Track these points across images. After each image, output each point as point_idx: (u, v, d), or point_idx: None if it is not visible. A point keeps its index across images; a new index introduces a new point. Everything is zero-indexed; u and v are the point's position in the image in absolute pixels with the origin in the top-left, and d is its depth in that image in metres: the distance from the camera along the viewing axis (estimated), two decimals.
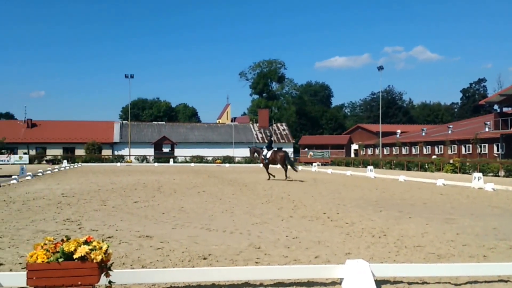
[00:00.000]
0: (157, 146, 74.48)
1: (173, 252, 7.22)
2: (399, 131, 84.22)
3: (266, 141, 28.22)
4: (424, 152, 67.37)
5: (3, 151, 66.97)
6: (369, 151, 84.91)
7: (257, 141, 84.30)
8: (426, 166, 45.62)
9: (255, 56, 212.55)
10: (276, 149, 28.27)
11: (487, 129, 57.01)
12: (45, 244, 4.30)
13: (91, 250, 4.21)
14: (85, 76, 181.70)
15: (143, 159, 69.29)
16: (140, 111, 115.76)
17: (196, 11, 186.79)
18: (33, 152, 73.08)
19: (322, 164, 63.65)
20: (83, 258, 4.17)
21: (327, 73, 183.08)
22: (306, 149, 79.52)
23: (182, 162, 69.53)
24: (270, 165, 27.93)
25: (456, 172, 39.41)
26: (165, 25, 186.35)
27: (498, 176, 34.06)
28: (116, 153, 75.03)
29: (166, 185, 21.58)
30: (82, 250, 4.17)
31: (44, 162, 66.48)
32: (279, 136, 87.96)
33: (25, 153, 69.58)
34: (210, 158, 71.31)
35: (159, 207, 13.04)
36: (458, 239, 8.48)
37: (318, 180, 27.14)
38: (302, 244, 7.94)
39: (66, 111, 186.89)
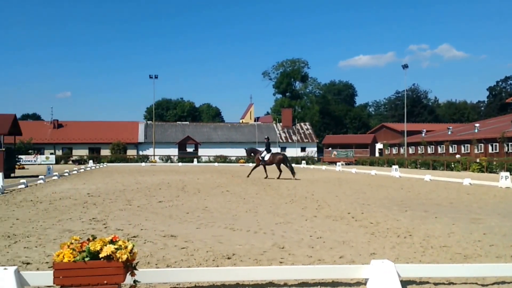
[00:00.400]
0: (181, 146, 74.93)
1: (197, 252, 7.25)
2: (424, 130, 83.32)
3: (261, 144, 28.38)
4: (450, 151, 66.55)
5: (30, 151, 68.08)
6: (394, 151, 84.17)
7: (281, 141, 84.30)
8: (452, 166, 45.05)
9: (279, 56, 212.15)
10: (274, 152, 28.65)
11: None
12: (72, 243, 4.35)
13: (117, 249, 4.24)
14: (110, 77, 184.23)
15: (167, 159, 69.77)
16: (164, 111, 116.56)
17: (220, 11, 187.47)
18: (59, 152, 74.19)
19: (346, 164, 63.29)
20: (108, 257, 4.21)
21: (351, 72, 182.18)
22: (330, 149, 79.12)
23: (205, 162, 69.81)
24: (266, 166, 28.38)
25: (483, 171, 38.83)
26: (188, 25, 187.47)
27: None
28: (140, 153, 75.74)
29: (190, 185, 21.68)
30: (108, 250, 4.20)
31: (70, 162, 67.38)
32: (302, 135, 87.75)
33: (51, 154, 70.65)
34: (234, 158, 71.47)
35: (183, 207, 13.11)
36: (485, 239, 8.35)
37: (342, 179, 26.98)
38: (326, 244, 7.90)
39: (92, 112, 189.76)
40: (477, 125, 70.48)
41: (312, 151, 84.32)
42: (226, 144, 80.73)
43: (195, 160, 67.64)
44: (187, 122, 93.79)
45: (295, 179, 26.25)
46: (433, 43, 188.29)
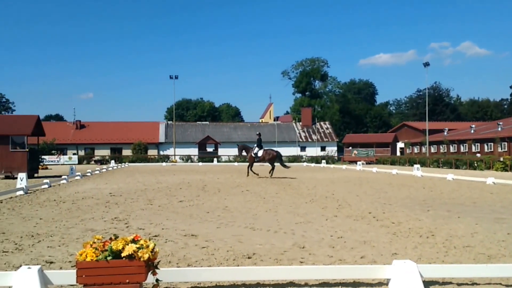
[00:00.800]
0: (201, 145, 75.22)
1: (218, 251, 7.27)
2: (446, 128, 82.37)
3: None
4: (473, 149, 65.72)
5: (53, 152, 68.94)
6: (416, 149, 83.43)
7: (300, 140, 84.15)
8: (475, 164, 44.50)
9: (298, 54, 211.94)
10: (267, 148, 28.56)
11: None
12: (94, 242, 4.39)
13: (139, 248, 4.28)
14: (131, 78, 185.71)
15: (187, 158, 70.07)
16: (184, 112, 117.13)
17: (239, 10, 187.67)
18: (82, 152, 75.05)
19: (366, 163, 62.91)
20: (130, 257, 4.24)
21: (371, 71, 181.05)
22: (350, 148, 78.69)
23: (225, 161, 69.97)
24: (255, 163, 28.53)
25: (506, 170, 38.29)
26: (207, 27, 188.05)
27: None
28: (161, 153, 76.25)
29: (210, 184, 21.75)
30: (130, 249, 4.23)
31: (93, 162, 68.10)
32: (322, 135, 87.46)
33: (74, 154, 71.51)
34: None
35: (204, 206, 13.16)
36: (509, 239, 8.23)
37: (363, 179, 26.83)
38: (347, 244, 7.86)
39: (114, 113, 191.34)
40: (500, 123, 69.42)
41: (332, 150, 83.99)
42: (246, 144, 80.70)
43: (215, 159, 67.82)
44: (207, 122, 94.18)
45: (292, 178, 26.39)
46: (455, 40, 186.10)
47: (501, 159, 41.98)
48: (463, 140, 70.06)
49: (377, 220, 10.46)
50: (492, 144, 63.00)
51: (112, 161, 61.21)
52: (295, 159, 72.75)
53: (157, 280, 4.60)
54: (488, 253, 7.19)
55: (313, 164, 58.26)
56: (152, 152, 75.23)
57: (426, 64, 67.48)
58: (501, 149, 60.20)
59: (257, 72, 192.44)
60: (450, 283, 5.60)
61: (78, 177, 27.61)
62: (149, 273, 4.44)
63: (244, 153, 28.52)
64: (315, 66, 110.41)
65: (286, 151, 78.38)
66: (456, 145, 71.58)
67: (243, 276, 5.33)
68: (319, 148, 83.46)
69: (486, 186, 20.70)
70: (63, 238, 8.35)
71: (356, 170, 40.18)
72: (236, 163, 61.64)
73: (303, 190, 18.77)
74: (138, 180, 25.54)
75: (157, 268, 4.53)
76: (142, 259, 4.25)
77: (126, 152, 74.38)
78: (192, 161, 68.82)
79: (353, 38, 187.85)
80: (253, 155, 27.64)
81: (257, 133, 29.91)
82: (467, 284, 5.60)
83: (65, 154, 71.41)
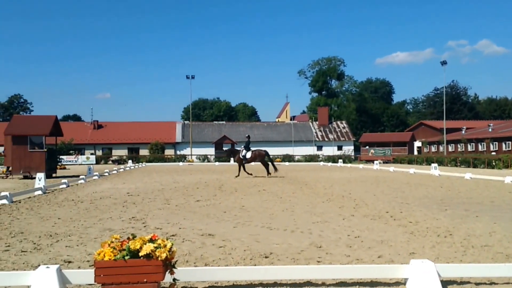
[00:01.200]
0: (218, 145, 75.40)
1: (235, 251, 7.29)
2: (464, 127, 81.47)
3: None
4: (491, 148, 64.98)
5: (71, 152, 69.63)
6: (433, 148, 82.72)
7: (317, 139, 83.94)
8: (494, 163, 43.99)
9: (314, 53, 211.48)
10: (254, 149, 28.71)
11: None
12: (112, 242, 4.42)
13: (156, 248, 4.30)
14: (148, 78, 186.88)
15: (204, 158, 70.25)
16: (201, 111, 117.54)
17: (254, 8, 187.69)
18: (99, 152, 75.66)
19: (383, 162, 62.54)
20: (148, 256, 4.27)
21: (388, 69, 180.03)
22: (367, 147, 78.36)
23: None
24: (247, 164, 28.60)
25: None
26: (224, 27, 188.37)
27: None
28: (178, 152, 76.55)
29: (227, 184, 21.79)
30: (148, 248, 4.26)
31: (110, 162, 68.59)
32: (339, 134, 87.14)
33: (92, 154, 72.08)
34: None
35: (221, 206, 13.19)
36: None
37: (380, 178, 26.68)
38: (364, 243, 7.83)
39: (131, 113, 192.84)
40: None
41: (349, 149, 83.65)
42: (262, 143, 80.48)
43: (232, 159, 67.86)
44: (224, 122, 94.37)
45: (280, 176, 26.73)
46: (473, 38, 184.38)
47: None
48: (481, 139, 69.31)
49: (394, 220, 10.40)
50: (510, 142, 62.19)
51: (130, 161, 61.65)
52: (312, 158, 72.59)
53: (174, 279, 4.62)
54: (507, 252, 7.11)
55: (329, 164, 58.04)
56: (169, 152, 75.58)
57: (444, 63, 67.00)
58: None
59: (273, 71, 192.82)
60: (468, 282, 5.55)
61: (96, 177, 27.83)
62: (167, 272, 4.46)
63: (232, 156, 28.52)
64: (331, 65, 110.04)
65: (302, 151, 78.44)
66: (474, 144, 70.84)
67: (260, 276, 5.34)
68: (335, 148, 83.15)
69: (504, 185, 20.45)
70: (81, 238, 8.42)
71: (373, 170, 39.96)
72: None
73: (320, 189, 18.72)
74: (155, 180, 25.68)
75: (175, 268, 4.55)
76: (159, 259, 4.27)
77: (143, 152, 74.85)
78: (208, 161, 69.01)
79: (369, 37, 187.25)
80: (241, 157, 27.62)
81: (246, 135, 30.10)
82: (485, 283, 5.55)
83: (83, 154, 72.06)
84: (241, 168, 28.11)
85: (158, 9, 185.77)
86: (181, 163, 60.42)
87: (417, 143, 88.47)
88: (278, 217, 10.88)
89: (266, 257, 6.81)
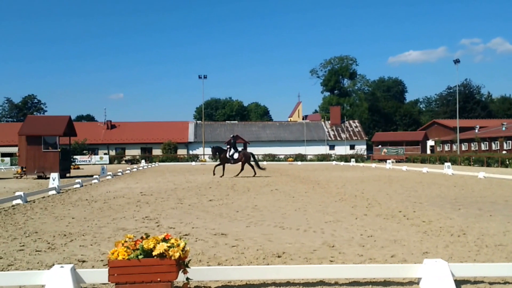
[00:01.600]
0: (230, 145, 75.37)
1: (247, 250, 7.30)
2: (477, 126, 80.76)
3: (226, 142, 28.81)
4: (505, 147, 64.42)
5: (84, 152, 70.09)
6: (446, 147, 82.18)
7: (329, 139, 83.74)
8: (507, 162, 43.60)
9: (327, 52, 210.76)
10: (240, 149, 28.75)
11: None
12: (126, 241, 4.46)
13: (169, 247, 4.33)
14: (161, 78, 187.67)
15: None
16: (213, 111, 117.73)
17: (265, 7, 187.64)
18: (112, 152, 76.10)
19: (396, 161, 62.24)
20: (161, 255, 4.29)
21: (401, 68, 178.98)
22: (380, 146, 78.01)
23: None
24: (227, 164, 28.45)
25: None
26: (236, 26, 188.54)
27: None
28: (190, 152, 76.79)
29: (240, 184, 21.81)
30: (161, 247, 4.29)
31: (123, 162, 68.97)
32: (351, 133, 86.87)
33: (105, 154, 72.53)
34: (282, 156, 71.53)
35: (233, 205, 13.21)
36: None
37: (393, 177, 26.56)
38: (377, 242, 7.80)
39: (144, 113, 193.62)
40: None
41: (361, 148, 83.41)
42: (275, 143, 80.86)
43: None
44: (236, 121, 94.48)
45: (267, 176, 27.00)
46: (486, 37, 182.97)
47: None
48: (494, 137, 68.74)
49: (407, 219, 10.35)
50: None
51: (143, 161, 61.94)
52: (324, 157, 72.45)
53: (187, 278, 4.64)
54: None
55: (342, 163, 57.90)
56: (181, 152, 75.87)
57: (457, 61, 66.54)
58: None
59: (285, 71, 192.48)
60: (482, 282, 5.52)
61: (109, 177, 27.99)
62: (180, 271, 4.48)
63: (217, 155, 28.26)
64: (343, 64, 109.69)
65: (315, 150, 78.32)
66: (487, 142, 70.27)
67: (273, 275, 5.34)
68: (348, 147, 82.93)
69: None
70: (95, 237, 8.47)
71: (385, 169, 39.80)
72: (265, 162, 61.67)
73: (332, 189, 18.68)
74: (168, 180, 25.78)
75: (188, 267, 4.57)
76: (173, 258, 4.30)
77: (156, 151, 75.20)
78: None
79: (382, 35, 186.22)
80: (228, 156, 27.47)
81: (232, 135, 30.11)
82: (499, 283, 5.51)
83: (96, 154, 72.53)
84: (221, 166, 28.13)
85: (171, 8, 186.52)
86: (193, 163, 60.60)
87: (430, 142, 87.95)
88: (291, 217, 10.88)
89: (278, 257, 6.82)
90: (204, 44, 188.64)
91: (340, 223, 9.89)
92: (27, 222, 10.37)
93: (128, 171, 36.36)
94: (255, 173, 27.88)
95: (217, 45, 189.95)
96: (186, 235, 8.55)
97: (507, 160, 44.12)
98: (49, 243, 7.98)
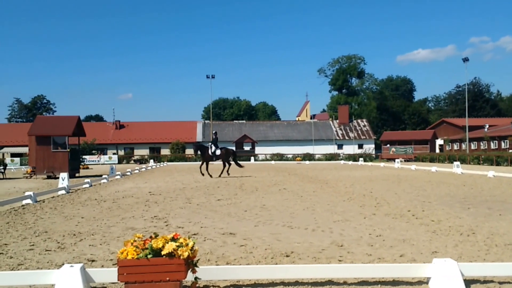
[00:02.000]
0: (238, 144, 75.56)
1: (256, 249, 7.30)
2: (487, 124, 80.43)
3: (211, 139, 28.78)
4: None
5: (93, 152, 70.38)
6: (455, 146, 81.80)
7: (337, 138, 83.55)
8: None
9: (335, 51, 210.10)
10: (222, 147, 28.42)
11: None
12: (135, 241, 4.48)
13: (178, 246, 4.34)
14: (169, 78, 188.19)
15: None
16: (221, 111, 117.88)
17: (274, 6, 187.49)
18: (121, 152, 76.34)
19: (405, 160, 62.01)
20: (170, 255, 4.31)
21: (409, 67, 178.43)
22: (388, 145, 77.73)
23: (262, 160, 70.15)
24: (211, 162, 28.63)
25: None
26: (244, 25, 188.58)
27: None
28: (199, 152, 76.70)
29: (248, 183, 21.82)
30: (170, 247, 4.30)
31: (132, 161, 69.19)
32: (359, 132, 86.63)
33: (114, 154, 72.84)
34: (290, 156, 71.48)
35: (242, 205, 13.21)
36: None
37: (402, 176, 26.47)
38: (386, 242, 7.78)
39: (152, 112, 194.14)
40: None
41: (369, 148, 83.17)
42: (283, 142, 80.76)
43: (252, 158, 67.98)
44: (244, 121, 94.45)
45: (248, 176, 27.11)
46: (495, 35, 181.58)
47: None
48: (504, 136, 68.32)
49: (416, 218, 10.31)
50: None
51: (151, 160, 62.17)
52: (332, 157, 72.33)
53: (196, 278, 4.66)
54: None
55: (350, 162, 57.78)
56: (190, 151, 75.90)
57: (466, 60, 66.17)
58: None
59: (293, 70, 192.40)
60: (492, 281, 5.49)
61: (118, 177, 28.10)
62: (189, 271, 4.50)
63: (199, 153, 28.10)
64: (351, 63, 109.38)
65: (323, 149, 78.19)
66: (497, 141, 69.86)
67: (282, 274, 5.34)
68: (356, 146, 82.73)
69: None
70: (104, 237, 8.51)
71: (394, 168, 39.67)
72: (273, 162, 61.65)
73: (341, 188, 18.64)
74: (177, 179, 25.83)
75: (196, 266, 4.59)
76: (181, 257, 4.31)
77: (165, 151, 75.38)
78: None
79: (390, 34, 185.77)
80: (210, 154, 27.37)
81: (214, 132, 30.00)
82: (509, 282, 5.48)
83: (105, 154, 72.79)
84: (207, 165, 28.14)
85: (179, 8, 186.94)
86: None
87: (439, 141, 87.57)
88: (299, 216, 10.87)
89: (287, 256, 6.81)
90: (212, 44, 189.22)
91: (348, 222, 9.87)
92: (37, 222, 10.43)
93: (137, 171, 36.46)
94: (229, 173, 27.82)
95: (225, 45, 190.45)
96: (194, 234, 8.56)
97: None
98: (58, 242, 8.02)
